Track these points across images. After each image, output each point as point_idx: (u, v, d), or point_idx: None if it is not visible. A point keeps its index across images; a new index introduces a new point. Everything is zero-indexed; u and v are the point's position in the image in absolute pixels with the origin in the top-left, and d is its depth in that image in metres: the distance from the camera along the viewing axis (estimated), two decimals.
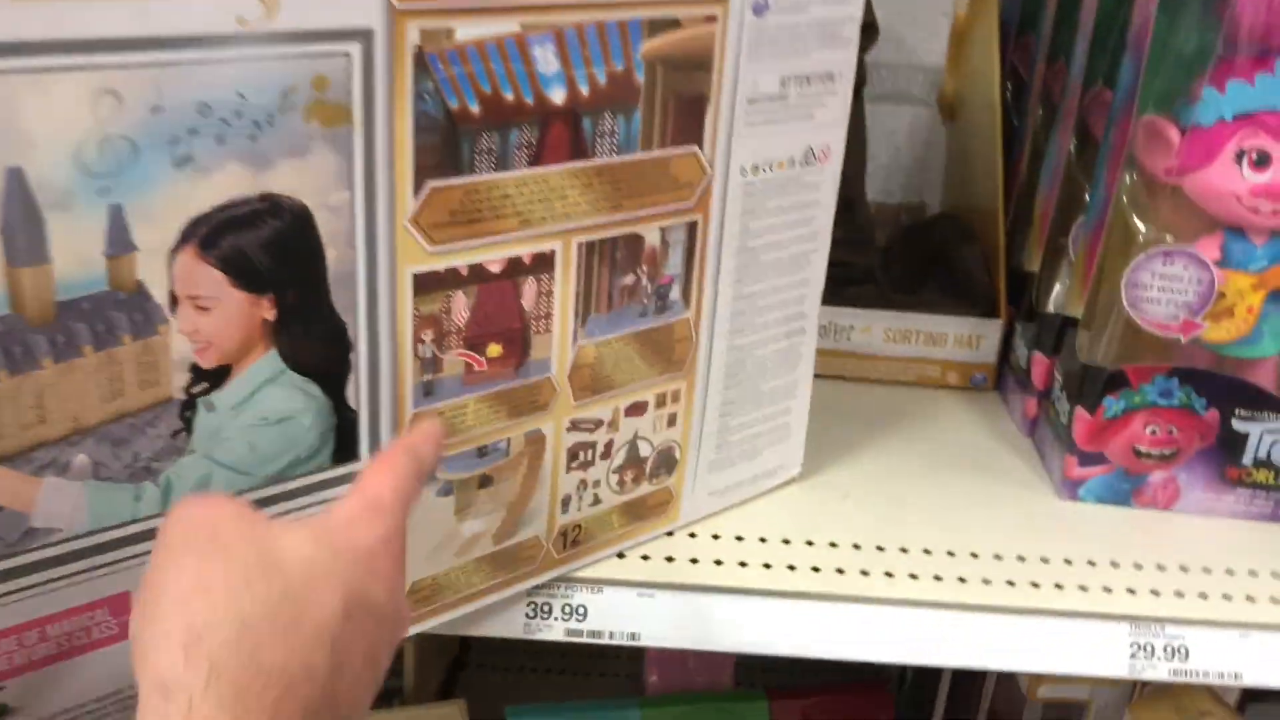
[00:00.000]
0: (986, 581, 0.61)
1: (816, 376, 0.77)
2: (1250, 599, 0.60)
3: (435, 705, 0.84)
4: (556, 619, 0.59)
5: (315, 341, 0.43)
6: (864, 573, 0.61)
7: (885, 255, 0.89)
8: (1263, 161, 0.61)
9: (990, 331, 0.80)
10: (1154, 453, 0.67)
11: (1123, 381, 0.66)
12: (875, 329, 0.81)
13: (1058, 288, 0.73)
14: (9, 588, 0.39)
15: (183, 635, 0.32)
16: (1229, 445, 0.67)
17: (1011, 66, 0.85)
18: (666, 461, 0.60)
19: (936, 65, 0.90)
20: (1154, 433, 0.67)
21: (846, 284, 0.84)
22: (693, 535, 0.63)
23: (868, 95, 0.89)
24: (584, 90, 0.47)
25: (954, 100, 0.91)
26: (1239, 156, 0.62)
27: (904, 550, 0.63)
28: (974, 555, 0.63)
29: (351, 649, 0.35)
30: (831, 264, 0.79)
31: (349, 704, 0.35)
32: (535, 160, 0.47)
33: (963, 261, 0.85)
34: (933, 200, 0.94)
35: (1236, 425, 0.66)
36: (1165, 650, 0.58)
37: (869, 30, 0.81)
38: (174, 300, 0.39)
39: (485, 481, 0.51)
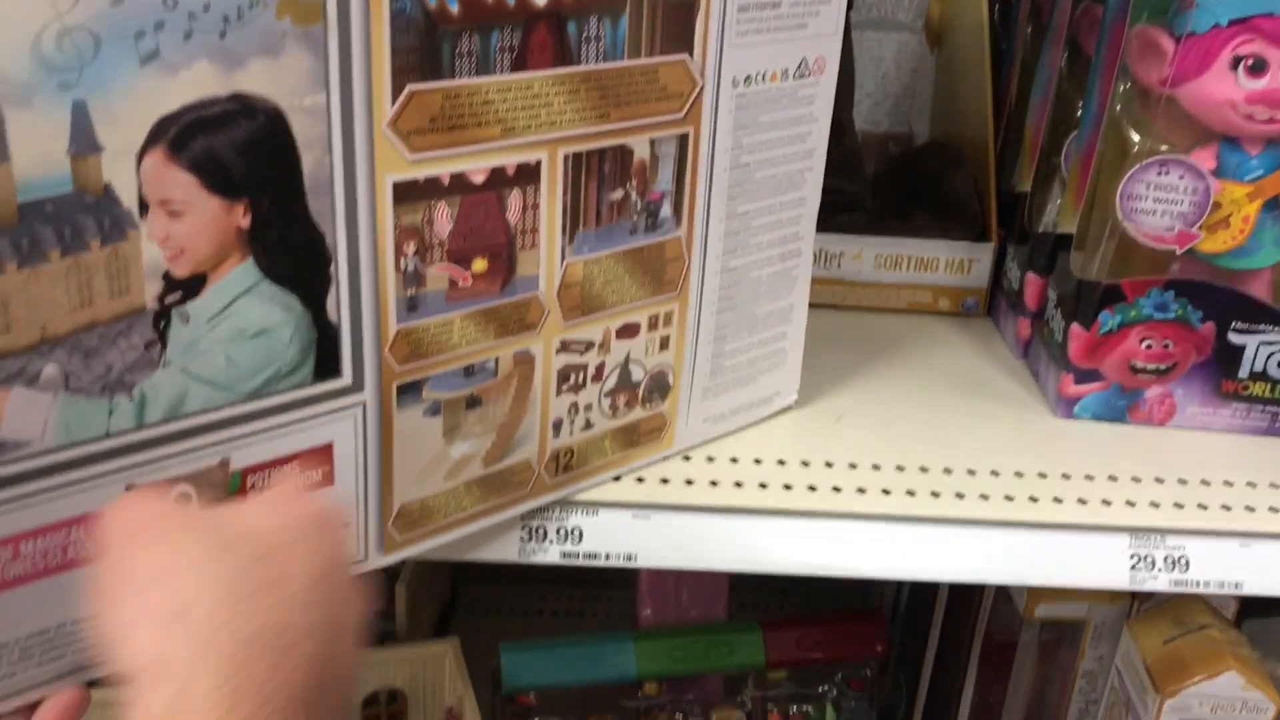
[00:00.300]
0: (984, 497, 0.60)
1: (809, 305, 0.76)
2: (1249, 509, 0.59)
3: (427, 644, 0.83)
4: (551, 542, 0.58)
5: (293, 251, 0.42)
6: (860, 490, 0.60)
7: (874, 185, 0.88)
8: (1259, 68, 0.60)
9: (982, 255, 0.79)
10: (1150, 368, 0.67)
11: (1118, 296, 0.65)
12: (866, 255, 0.80)
13: (1050, 207, 0.72)
14: None
15: (163, 613, 0.31)
16: (1225, 359, 0.66)
17: None
18: (660, 386, 0.59)
19: None
20: (1149, 347, 0.66)
21: (836, 211, 0.82)
22: (687, 458, 0.62)
23: (853, 21, 0.88)
24: None
25: (941, 25, 0.89)
26: (1235, 63, 0.60)
27: (900, 468, 0.62)
28: (970, 472, 0.62)
29: (333, 608, 0.34)
30: (822, 191, 0.77)
31: (343, 666, 0.34)
32: (518, 65, 0.45)
33: (952, 187, 0.83)
34: (921, 129, 0.93)
35: (1233, 338, 0.66)
36: (1165, 561, 0.58)
37: None
38: (144, 205, 0.38)
39: (473, 402, 0.50)
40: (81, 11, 0.34)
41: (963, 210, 0.82)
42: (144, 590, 0.32)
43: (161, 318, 0.39)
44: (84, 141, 0.35)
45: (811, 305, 0.78)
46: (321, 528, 0.36)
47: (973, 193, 0.82)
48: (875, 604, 0.98)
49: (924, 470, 0.62)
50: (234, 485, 0.44)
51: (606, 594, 1.07)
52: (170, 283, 0.39)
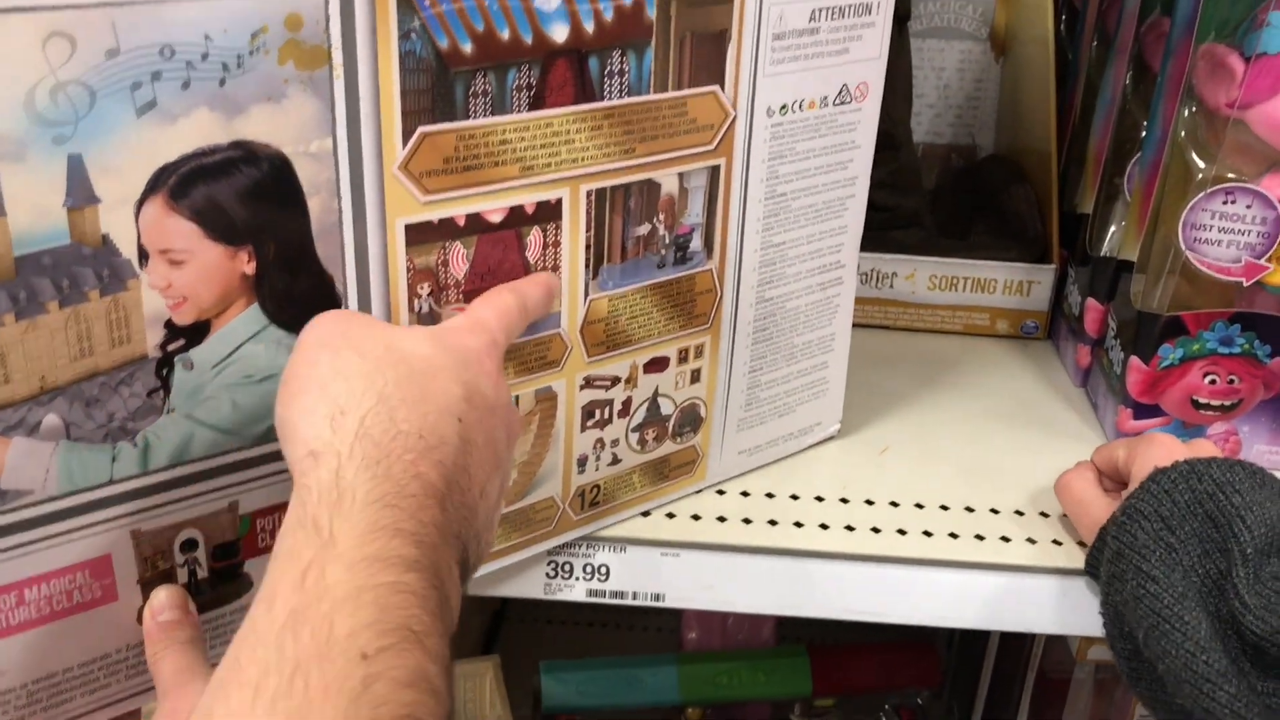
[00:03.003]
0: (1031, 541, 0.57)
1: (858, 326, 0.74)
2: None
3: (469, 661, 0.83)
4: (578, 579, 0.57)
5: (300, 296, 0.41)
6: (901, 531, 0.58)
7: (933, 198, 0.85)
8: None
9: (1042, 277, 0.76)
10: (1214, 404, 0.63)
11: (1180, 329, 0.62)
12: (919, 275, 0.77)
13: (1112, 230, 0.69)
14: None
15: (328, 409, 0.36)
16: None
17: None
18: (691, 419, 0.57)
19: None
20: (1213, 382, 0.63)
21: (892, 228, 0.80)
22: (721, 493, 0.60)
23: (914, 30, 0.85)
24: (589, 27, 0.44)
25: (1005, 35, 0.86)
26: None
27: (944, 508, 0.60)
28: (1019, 513, 0.60)
29: (473, 428, 0.39)
30: (876, 207, 0.75)
31: (478, 480, 0.39)
32: (536, 103, 0.44)
33: (1013, 204, 0.80)
34: (985, 141, 0.89)
35: None
36: None
37: None
38: (144, 254, 0.37)
39: None
40: (75, 66, 0.34)
41: (1024, 229, 0.79)
42: (316, 392, 0.37)
43: (164, 365, 0.39)
44: (80, 194, 0.35)
45: (862, 326, 0.76)
46: (473, 361, 0.40)
47: (1035, 211, 0.79)
48: (930, 633, 0.96)
49: (969, 510, 0.60)
50: (244, 529, 0.43)
51: (655, 608, 1.06)
52: (173, 330, 0.39)
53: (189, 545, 0.42)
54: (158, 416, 0.39)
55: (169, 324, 0.39)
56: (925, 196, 0.83)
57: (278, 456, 0.43)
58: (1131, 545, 0.49)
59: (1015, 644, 0.81)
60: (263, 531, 0.44)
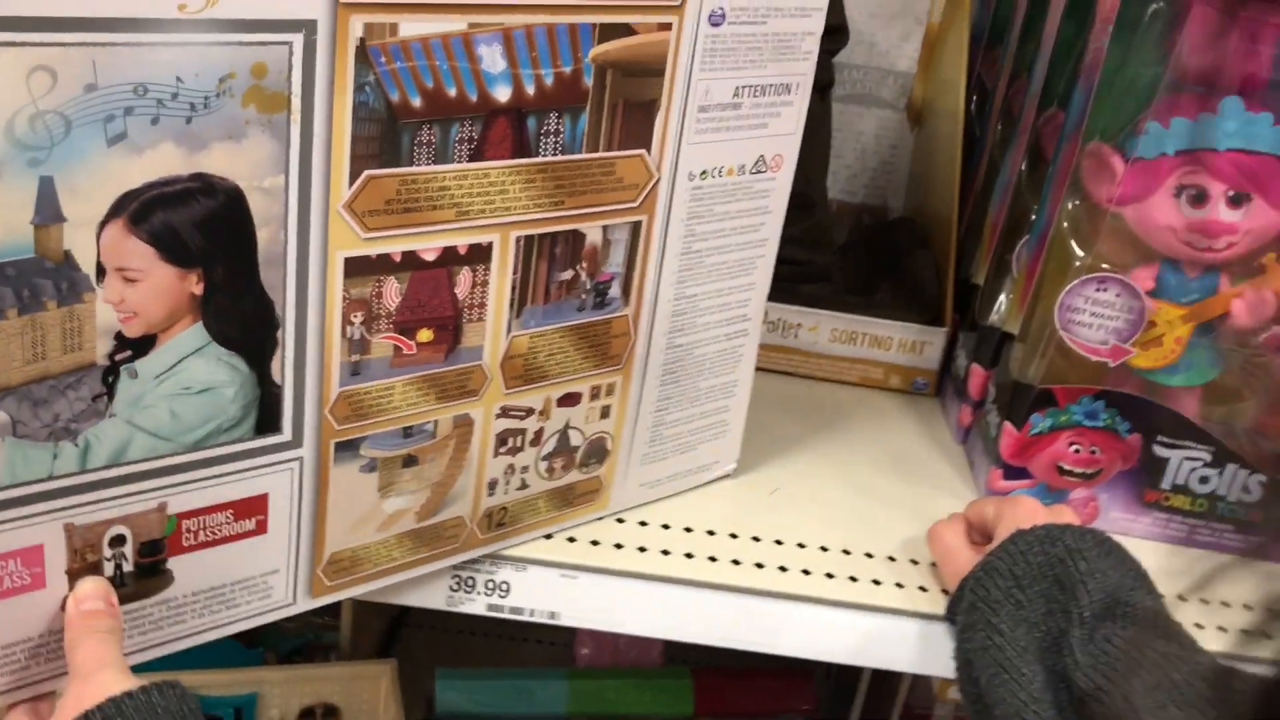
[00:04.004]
0: (900, 585, 0.62)
1: (762, 370, 0.79)
2: None
3: (366, 663, 0.86)
4: (479, 593, 0.60)
5: (242, 317, 0.44)
6: (782, 569, 0.63)
7: (844, 253, 0.91)
8: (1200, 199, 0.63)
9: (934, 339, 0.82)
10: (1077, 471, 0.69)
11: (1051, 400, 0.68)
12: (823, 328, 0.82)
13: (1000, 302, 0.75)
14: None
15: None
16: (1149, 469, 0.69)
17: (979, 78, 0.86)
18: (598, 452, 0.61)
19: (907, 71, 0.91)
20: (1078, 452, 0.69)
21: (802, 281, 0.85)
22: (621, 521, 0.65)
23: (837, 96, 0.91)
24: (530, 90, 0.48)
25: (922, 107, 0.92)
26: (1178, 191, 0.63)
27: (824, 549, 0.65)
28: (891, 559, 0.65)
29: None
30: (788, 261, 0.80)
31: None
32: (476, 155, 0.48)
33: (916, 267, 0.86)
34: (895, 203, 0.95)
35: (1158, 450, 0.68)
36: None
37: (839, 33, 0.82)
38: (101, 270, 0.40)
39: (410, 461, 0.53)
40: (55, 98, 0.37)
41: (923, 292, 0.84)
42: None
43: (110, 373, 0.42)
44: (48, 212, 0.38)
45: (766, 371, 0.81)
46: None
47: (934, 276, 0.84)
48: (808, 663, 1.01)
49: (846, 553, 0.65)
50: (170, 528, 0.46)
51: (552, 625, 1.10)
52: (122, 341, 0.42)
53: (117, 541, 0.45)
54: (100, 420, 0.42)
55: (119, 335, 0.41)
56: (835, 253, 0.88)
57: (208, 463, 0.46)
58: (985, 599, 0.55)
59: (885, 679, 0.86)
60: (188, 532, 0.47)
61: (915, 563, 0.65)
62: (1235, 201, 0.63)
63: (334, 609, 0.93)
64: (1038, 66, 0.74)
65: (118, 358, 0.42)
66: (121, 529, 0.45)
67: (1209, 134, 0.62)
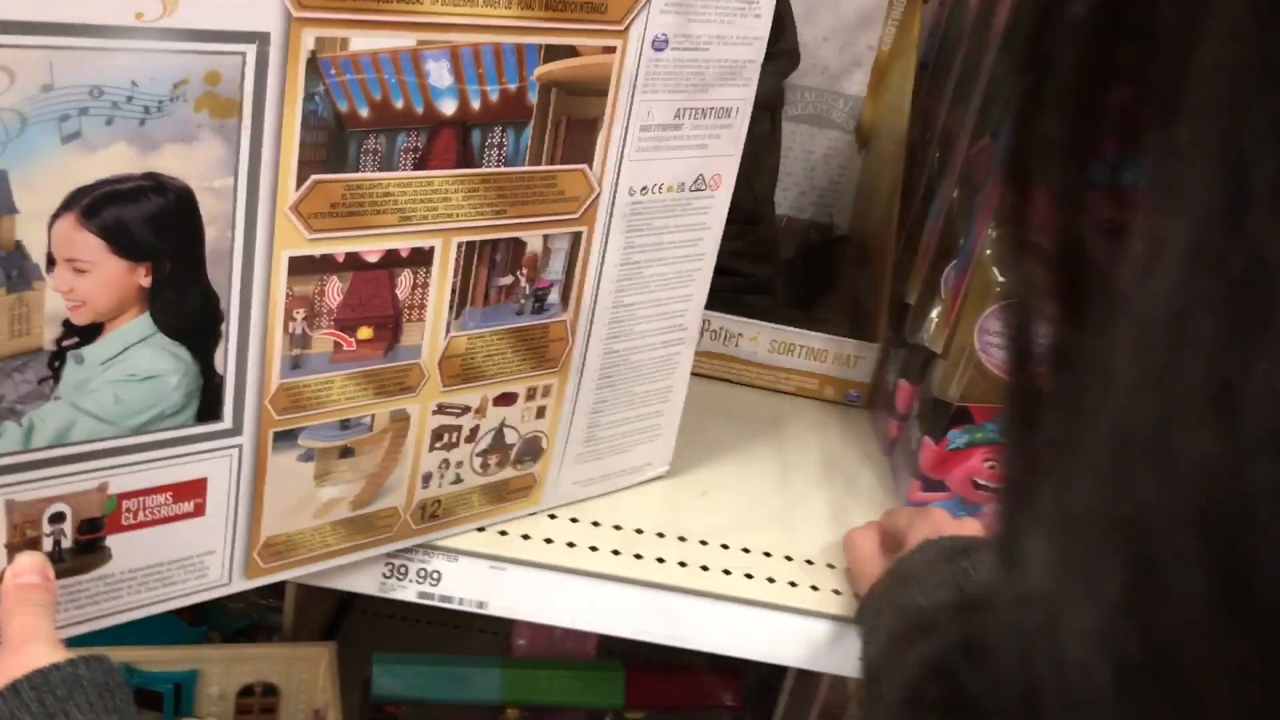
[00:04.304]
0: (815, 588, 0.65)
1: (703, 377, 0.82)
2: None
3: (306, 645, 0.88)
4: (411, 581, 0.63)
5: (188, 309, 0.46)
6: (704, 568, 0.65)
7: (789, 267, 0.94)
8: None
9: (868, 354, 0.85)
10: (991, 486, 0.72)
11: (968, 417, 0.71)
12: (762, 339, 0.85)
13: (928, 322, 0.78)
14: None
15: None
16: None
17: (924, 105, 0.89)
18: (532, 450, 0.64)
19: (858, 95, 0.94)
20: (993, 467, 0.72)
21: (745, 292, 0.88)
22: (553, 517, 0.67)
23: (790, 116, 0.94)
24: (475, 105, 0.51)
25: (870, 130, 0.95)
26: None
27: (746, 550, 0.68)
28: (809, 562, 0.68)
29: None
30: (732, 273, 0.83)
31: None
32: (421, 164, 0.50)
33: (855, 284, 0.89)
34: (842, 221, 0.98)
35: None
36: None
37: (791, 56, 0.85)
38: (51, 261, 0.42)
39: (346, 452, 0.55)
40: (12, 96, 0.39)
41: (860, 308, 0.88)
42: None
43: (57, 358, 0.44)
44: (1, 204, 0.40)
45: (706, 378, 0.84)
46: None
47: (872, 294, 0.87)
48: (738, 660, 1.04)
49: (767, 555, 0.68)
50: (110, 507, 0.48)
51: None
52: (69, 329, 0.44)
53: (57, 518, 0.47)
54: (44, 402, 0.44)
55: (66, 323, 0.44)
56: (779, 267, 0.91)
57: (149, 447, 0.48)
58: (890, 604, 0.58)
59: (808, 679, 0.89)
60: (127, 512, 0.49)
61: (832, 567, 0.68)
62: None
63: (279, 592, 0.95)
64: (973, 99, 0.77)
65: (65, 344, 0.44)
66: (62, 507, 0.47)
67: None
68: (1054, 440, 0.23)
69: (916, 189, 0.87)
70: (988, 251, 0.69)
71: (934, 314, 0.77)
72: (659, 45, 0.56)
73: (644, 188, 0.60)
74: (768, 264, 0.89)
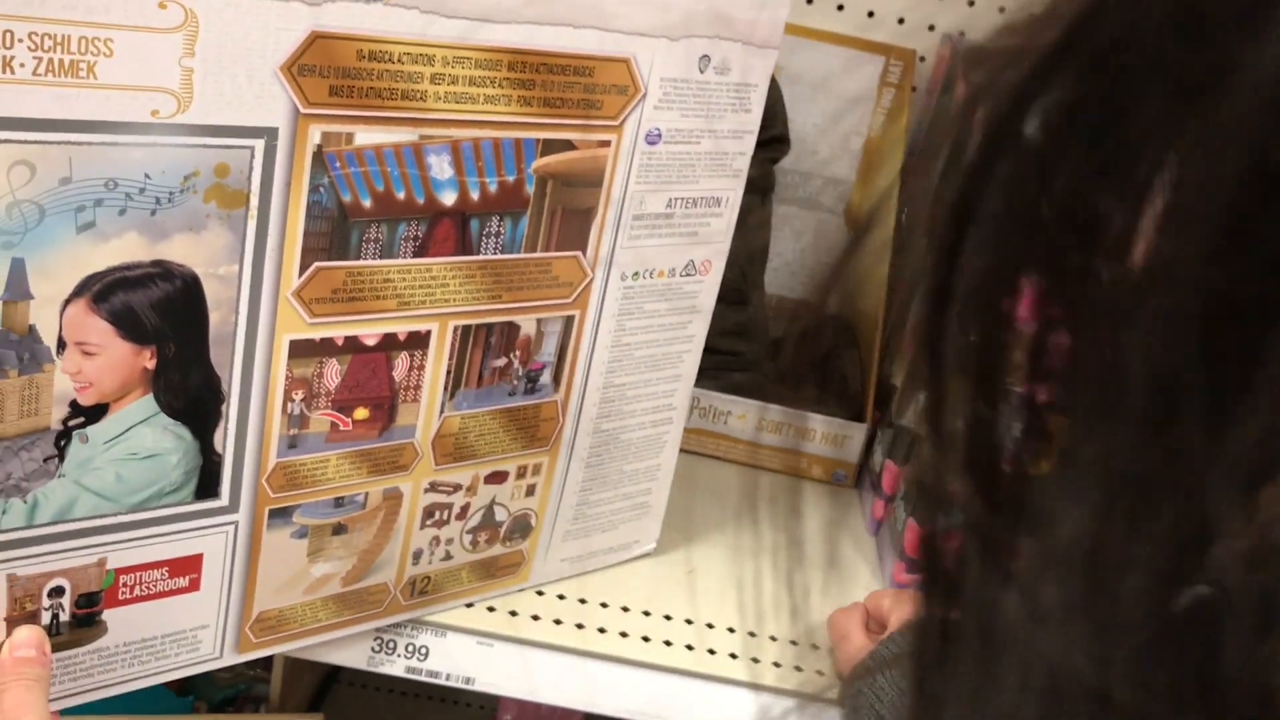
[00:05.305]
0: (799, 669, 0.66)
1: (692, 453, 0.83)
2: None
3: (291, 716, 0.88)
4: (400, 656, 0.63)
5: (190, 391, 0.48)
6: (689, 647, 0.66)
7: (777, 346, 0.96)
8: None
9: (855, 433, 0.86)
10: None
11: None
12: (751, 416, 0.87)
13: (913, 405, 0.79)
14: None
15: None
16: None
17: (912, 191, 0.92)
18: (522, 527, 0.65)
19: (847, 179, 0.96)
20: None
21: (734, 370, 0.90)
22: (540, 593, 0.68)
23: (779, 197, 0.96)
24: (474, 196, 0.53)
25: (859, 213, 0.98)
26: None
27: (731, 630, 0.68)
28: (793, 643, 0.69)
29: None
30: (721, 352, 0.85)
31: None
32: (421, 251, 0.52)
33: (843, 364, 0.91)
34: (831, 301, 1.00)
35: None
36: None
37: (781, 142, 0.87)
38: (62, 344, 0.44)
39: (340, 529, 0.56)
40: (32, 189, 0.41)
41: (848, 388, 0.89)
42: None
43: (63, 437, 0.45)
44: (17, 290, 0.42)
45: (695, 454, 0.85)
46: None
47: (859, 374, 0.89)
48: None
49: (752, 635, 0.68)
50: (108, 581, 0.49)
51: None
52: (76, 409, 0.45)
53: (57, 591, 0.48)
54: (49, 480, 0.45)
55: (73, 403, 0.45)
56: (768, 345, 0.93)
57: (148, 523, 0.49)
58: (871, 687, 0.58)
59: None
60: (124, 586, 0.50)
61: (816, 648, 0.68)
62: None
63: (266, 662, 0.95)
64: None
65: (71, 423, 0.45)
66: (61, 581, 0.48)
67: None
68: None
69: (904, 273, 0.90)
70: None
71: (920, 396, 0.79)
72: (652, 139, 0.58)
73: (636, 273, 0.61)
74: (756, 342, 0.91)
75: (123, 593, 0.50)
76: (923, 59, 0.96)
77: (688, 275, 0.64)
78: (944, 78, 0.93)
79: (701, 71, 0.58)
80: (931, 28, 0.96)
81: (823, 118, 0.94)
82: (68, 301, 0.43)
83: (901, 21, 0.96)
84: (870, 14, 0.96)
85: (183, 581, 0.52)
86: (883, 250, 0.89)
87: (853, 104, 0.96)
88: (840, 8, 0.95)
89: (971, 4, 0.96)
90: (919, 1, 0.96)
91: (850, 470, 0.88)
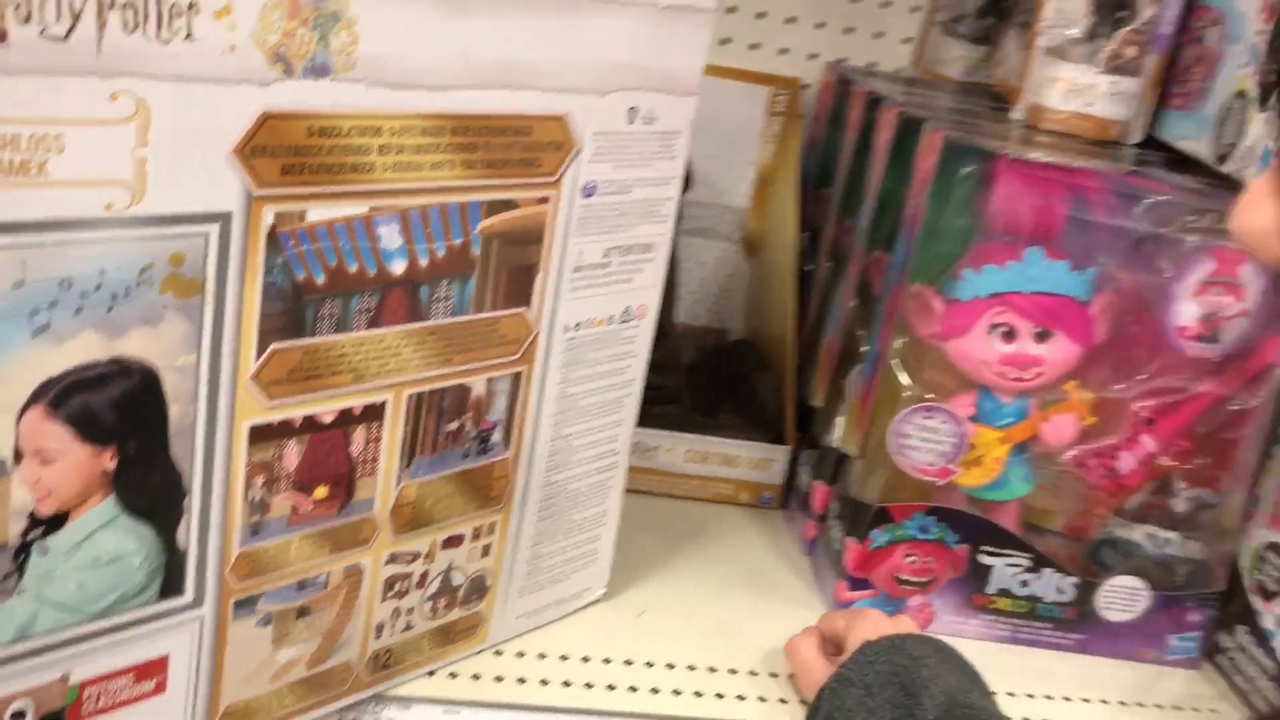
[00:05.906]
0: (762, 699, 0.67)
1: (629, 492, 0.83)
2: None
3: None
4: None
5: (152, 488, 0.46)
6: (654, 690, 0.66)
7: (690, 373, 0.97)
8: (1011, 335, 0.71)
9: (778, 456, 0.88)
10: (913, 580, 0.76)
11: (888, 517, 0.74)
12: (678, 449, 0.87)
13: (837, 424, 0.82)
14: None
15: None
16: (976, 576, 0.76)
17: (808, 214, 0.94)
18: (478, 589, 0.64)
19: (742, 207, 0.98)
20: (913, 562, 0.75)
21: (655, 403, 0.90)
22: (499, 653, 0.67)
23: (682, 229, 0.97)
24: (423, 262, 0.52)
25: (755, 238, 1.00)
26: (991, 329, 0.71)
27: (691, 668, 0.69)
28: (753, 673, 0.69)
29: None
30: (646, 386, 0.85)
31: None
32: (374, 322, 0.51)
33: (757, 388, 0.93)
34: (735, 326, 1.02)
35: (982, 559, 0.76)
36: None
37: (685, 180, 0.88)
38: (18, 454, 0.41)
39: (303, 612, 0.54)
40: None
41: (765, 411, 0.91)
42: None
43: (22, 551, 0.43)
44: None
45: (629, 491, 0.85)
46: None
47: (775, 396, 0.91)
48: None
49: (712, 670, 0.69)
50: (71, 697, 0.47)
51: None
52: (34, 520, 0.43)
53: (19, 715, 0.45)
54: (8, 598, 0.43)
55: (32, 515, 0.42)
56: (683, 375, 0.94)
57: (112, 630, 0.47)
58: (839, 708, 0.60)
59: None
60: (88, 699, 0.47)
61: (775, 676, 0.69)
62: (1040, 337, 0.71)
63: None
64: (862, 214, 0.82)
65: (29, 536, 0.43)
66: (23, 703, 0.45)
67: (1016, 278, 0.71)
68: None
69: (810, 295, 0.92)
70: (893, 358, 0.73)
71: (842, 417, 0.81)
72: (588, 192, 0.58)
73: (578, 324, 0.62)
74: (675, 374, 0.92)
75: (87, 706, 0.47)
76: (806, 86, 0.99)
77: (625, 321, 0.65)
78: (831, 103, 0.95)
79: (630, 123, 0.59)
80: (813, 56, 0.99)
81: (715, 148, 0.96)
82: (24, 409, 0.41)
83: (784, 52, 0.98)
84: (753, 46, 0.98)
85: (149, 685, 0.49)
86: (784, 274, 0.91)
87: (742, 134, 0.98)
88: (724, 41, 0.97)
89: (849, 31, 0.99)
90: (800, 30, 0.98)
91: (776, 492, 0.89)
